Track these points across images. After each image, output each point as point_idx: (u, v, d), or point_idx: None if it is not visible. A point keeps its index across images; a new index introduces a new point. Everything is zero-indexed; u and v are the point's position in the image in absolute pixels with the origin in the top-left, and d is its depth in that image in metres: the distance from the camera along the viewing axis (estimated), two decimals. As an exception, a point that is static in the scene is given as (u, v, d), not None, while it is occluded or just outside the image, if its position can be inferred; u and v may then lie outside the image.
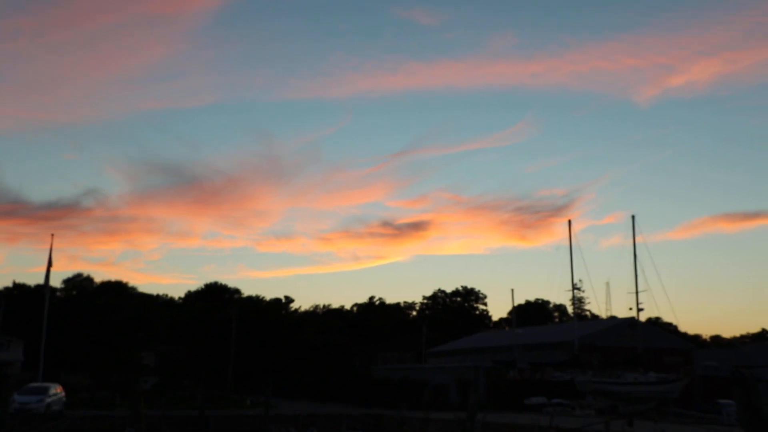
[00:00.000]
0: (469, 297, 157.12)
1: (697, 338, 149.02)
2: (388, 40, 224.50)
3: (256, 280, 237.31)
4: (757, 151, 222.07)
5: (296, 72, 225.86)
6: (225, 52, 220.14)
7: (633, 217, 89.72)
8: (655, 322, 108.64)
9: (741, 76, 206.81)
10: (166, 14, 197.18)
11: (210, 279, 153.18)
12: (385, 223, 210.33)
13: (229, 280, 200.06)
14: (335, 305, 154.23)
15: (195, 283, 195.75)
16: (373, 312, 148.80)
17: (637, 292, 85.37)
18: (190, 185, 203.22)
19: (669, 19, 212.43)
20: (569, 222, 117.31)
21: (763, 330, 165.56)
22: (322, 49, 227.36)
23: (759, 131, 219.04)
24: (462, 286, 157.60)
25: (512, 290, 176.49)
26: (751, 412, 22.80)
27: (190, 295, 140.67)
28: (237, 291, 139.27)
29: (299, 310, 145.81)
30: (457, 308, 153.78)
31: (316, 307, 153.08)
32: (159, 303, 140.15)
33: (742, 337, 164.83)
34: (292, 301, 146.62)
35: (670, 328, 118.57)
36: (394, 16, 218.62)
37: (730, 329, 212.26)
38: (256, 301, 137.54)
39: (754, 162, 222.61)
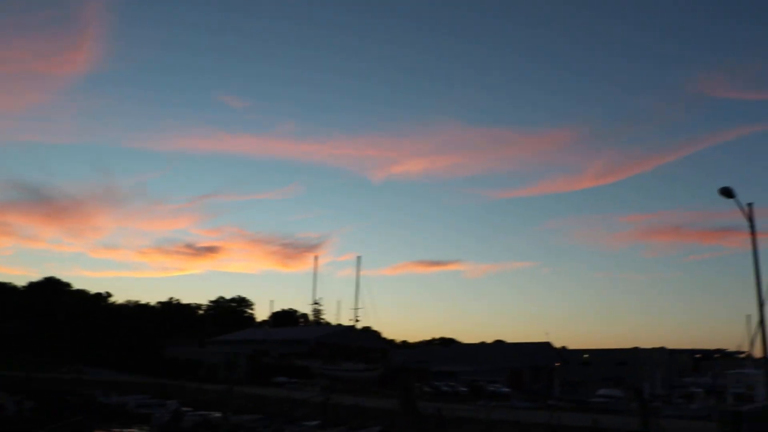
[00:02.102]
0: (242, 303, 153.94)
1: (392, 341, 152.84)
2: (206, 114, 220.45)
3: (87, 278, 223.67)
4: (442, 220, 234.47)
5: (136, 128, 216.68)
6: (84, 106, 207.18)
7: (359, 257, 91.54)
8: (367, 329, 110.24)
9: (437, 171, 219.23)
10: (44, 72, 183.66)
11: (51, 274, 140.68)
12: (188, 245, 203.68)
13: (67, 276, 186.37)
14: (143, 301, 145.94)
15: (38, 276, 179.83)
16: (172, 308, 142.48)
17: (356, 309, 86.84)
18: (43, 202, 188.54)
19: (397, 128, 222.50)
20: (316, 257, 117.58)
21: (433, 339, 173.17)
22: (157, 114, 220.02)
23: (445, 207, 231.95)
24: (238, 295, 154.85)
25: (271, 301, 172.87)
26: (407, 392, 23.43)
27: (32, 285, 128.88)
28: (68, 284, 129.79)
29: (116, 303, 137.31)
30: (232, 311, 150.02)
31: (129, 301, 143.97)
32: (5, 288, 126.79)
33: (422, 342, 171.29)
34: (110, 295, 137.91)
35: (376, 334, 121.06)
36: (213, 97, 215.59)
37: (415, 336, 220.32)
38: (82, 294, 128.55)
39: (439, 227, 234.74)
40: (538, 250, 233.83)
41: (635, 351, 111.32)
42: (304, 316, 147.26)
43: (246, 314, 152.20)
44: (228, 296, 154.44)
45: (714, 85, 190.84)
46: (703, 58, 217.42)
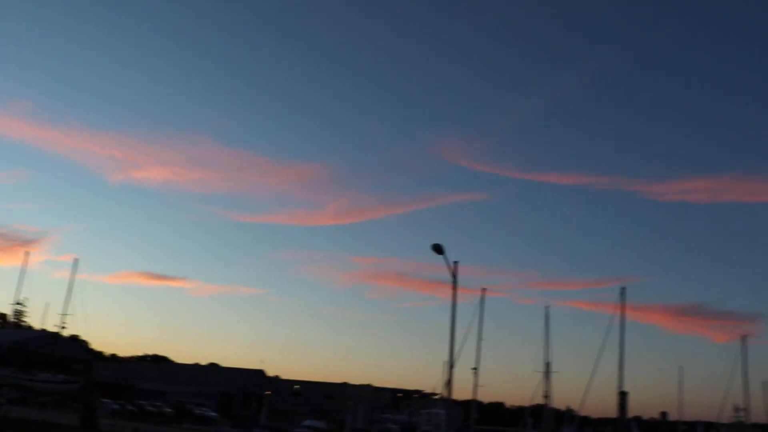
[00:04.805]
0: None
1: (100, 353, 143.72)
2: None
3: None
4: (175, 234, 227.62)
5: None
6: None
7: (77, 260, 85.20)
8: (74, 338, 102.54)
9: (179, 184, 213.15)
10: None
11: None
12: None
13: None
14: None
15: None
16: None
17: (64, 314, 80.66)
18: None
19: (145, 132, 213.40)
20: (27, 253, 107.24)
21: (145, 355, 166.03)
22: None
23: (180, 221, 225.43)
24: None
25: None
26: (88, 409, 22.63)
27: None
28: None
29: None
30: None
31: None
32: None
33: (133, 357, 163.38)
34: None
35: (83, 344, 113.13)
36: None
37: (127, 350, 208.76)
38: None
39: (171, 241, 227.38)
40: (269, 277, 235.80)
41: (344, 386, 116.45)
42: (3, 316, 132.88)
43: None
44: None
45: (452, 151, 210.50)
46: (447, 126, 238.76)
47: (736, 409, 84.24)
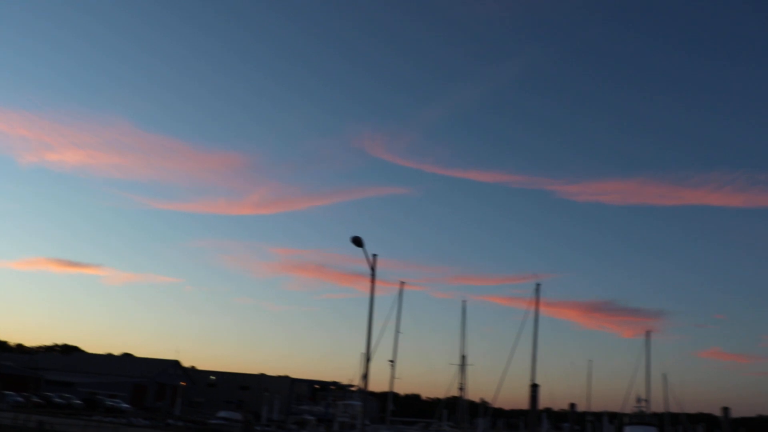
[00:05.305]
0: None
1: (5, 343, 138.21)
2: None
3: None
4: (90, 219, 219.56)
5: None
6: None
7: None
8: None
9: (95, 168, 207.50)
10: None
11: None
12: None
13: None
14: None
15: None
16: None
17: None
18: None
19: (60, 113, 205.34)
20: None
21: (55, 345, 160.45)
22: None
23: (96, 207, 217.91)
24: None
25: None
26: None
27: None
28: None
29: None
30: None
31: None
32: None
33: (40, 347, 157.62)
34: None
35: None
36: None
37: (34, 340, 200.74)
38: None
39: (85, 226, 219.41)
40: (185, 266, 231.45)
41: (261, 377, 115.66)
42: None
43: None
44: None
45: (374, 145, 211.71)
46: (370, 120, 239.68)
47: (638, 400, 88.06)
